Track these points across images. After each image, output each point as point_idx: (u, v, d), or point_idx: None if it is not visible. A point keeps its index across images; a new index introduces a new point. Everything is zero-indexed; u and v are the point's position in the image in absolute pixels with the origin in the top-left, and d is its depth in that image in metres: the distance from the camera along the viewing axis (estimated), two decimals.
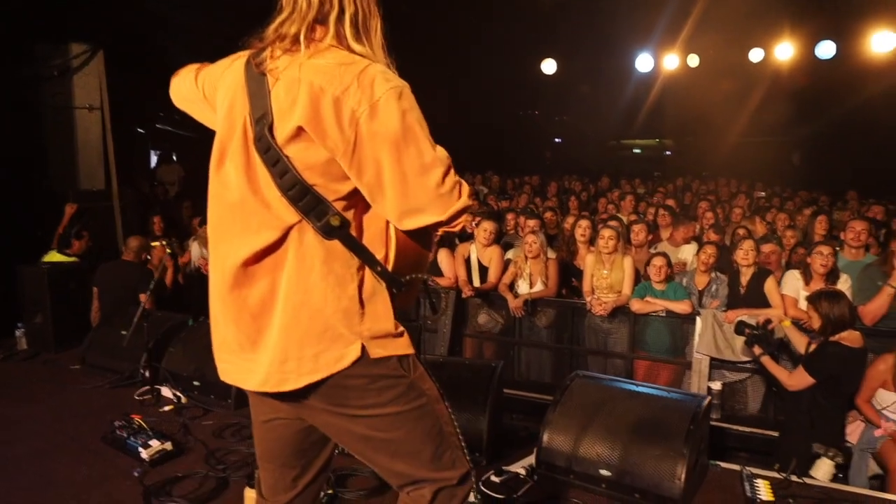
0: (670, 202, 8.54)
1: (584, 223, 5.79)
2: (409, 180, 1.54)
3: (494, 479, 3.29)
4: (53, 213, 6.17)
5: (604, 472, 3.12)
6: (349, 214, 1.62)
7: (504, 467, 3.39)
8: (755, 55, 10.10)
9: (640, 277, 5.47)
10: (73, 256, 5.89)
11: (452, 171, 1.61)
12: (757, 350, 4.21)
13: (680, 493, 2.93)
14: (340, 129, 1.51)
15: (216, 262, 1.70)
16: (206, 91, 1.82)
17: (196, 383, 4.40)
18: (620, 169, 15.97)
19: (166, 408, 4.23)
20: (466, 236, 6.19)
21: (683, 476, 2.94)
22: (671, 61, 10.48)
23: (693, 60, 10.45)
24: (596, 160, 18.36)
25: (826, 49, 9.20)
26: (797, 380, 3.94)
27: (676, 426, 3.08)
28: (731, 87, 12.39)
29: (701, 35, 9.59)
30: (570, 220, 6.63)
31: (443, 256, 5.91)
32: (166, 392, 4.43)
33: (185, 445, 3.66)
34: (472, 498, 2.93)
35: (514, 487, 3.23)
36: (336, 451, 1.94)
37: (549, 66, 11.56)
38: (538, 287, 5.49)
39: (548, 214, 7.71)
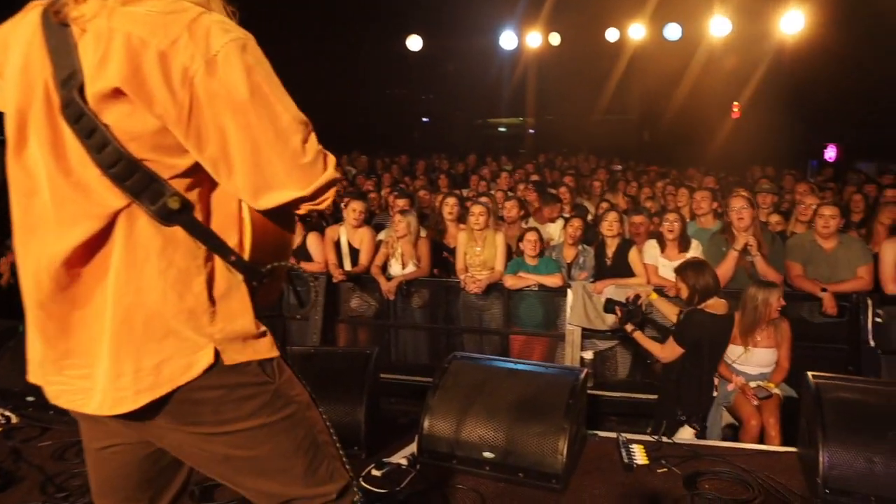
0: (535, 177, 8.73)
1: (450, 201, 5.73)
2: (262, 149, 1.30)
3: (375, 472, 3.12)
4: None
5: (487, 455, 3.06)
6: (192, 195, 1.35)
7: (385, 459, 3.23)
8: (611, 35, 10.53)
9: (511, 253, 5.49)
10: None
11: (314, 137, 1.38)
12: (629, 327, 4.29)
13: (562, 468, 2.93)
14: (170, 90, 1.24)
15: (26, 265, 1.38)
16: None
17: (30, 398, 3.82)
18: (487, 147, 16.25)
19: None
20: (336, 219, 5.93)
21: (565, 450, 2.94)
22: (534, 39, 10.69)
23: (555, 39, 10.72)
24: (463, 139, 18.58)
25: (673, 31, 9.76)
26: (669, 352, 4.08)
27: (555, 401, 3.07)
28: (589, 66, 12.93)
29: (561, 14, 9.84)
30: (439, 198, 6.54)
31: (312, 240, 5.62)
32: None
33: (15, 474, 3.16)
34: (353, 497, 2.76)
35: (397, 479, 3.08)
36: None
37: (414, 43, 11.38)
38: (410, 268, 5.36)
39: (421, 193, 7.60)
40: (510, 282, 5.14)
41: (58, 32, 1.28)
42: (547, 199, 6.62)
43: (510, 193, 7.04)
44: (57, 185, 1.31)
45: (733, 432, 4.31)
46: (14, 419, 3.76)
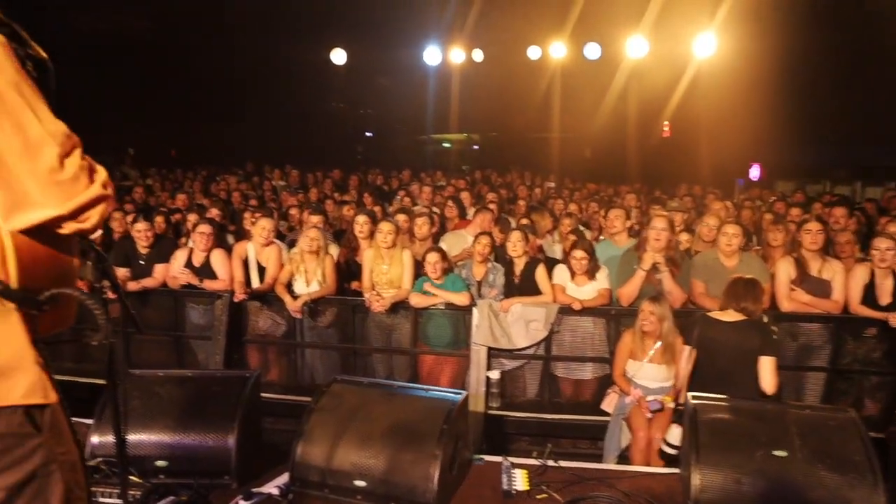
0: (465, 195, 8.70)
1: (361, 219, 5.62)
2: (10, 164, 1.20)
3: (243, 503, 2.97)
4: None
5: (359, 483, 2.94)
6: None
7: (255, 489, 3.08)
8: (533, 52, 10.67)
9: (422, 271, 5.40)
10: None
11: (78, 151, 1.28)
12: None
13: (434, 496, 2.83)
14: None
15: None
16: None
17: None
18: (432, 163, 16.24)
19: None
20: (243, 235, 5.76)
21: (437, 478, 2.84)
22: (457, 55, 10.74)
23: (478, 55, 10.79)
24: (407, 155, 18.56)
25: (592, 50, 9.94)
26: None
27: (430, 427, 2.98)
28: (524, 84, 13.09)
29: (483, 30, 9.92)
30: (350, 214, 6.45)
31: (216, 257, 5.44)
32: None
33: None
34: None
35: None
36: None
37: (338, 56, 11.30)
38: (314, 286, 5.22)
39: (346, 209, 7.47)
40: (416, 300, 5.05)
41: None
42: (478, 211, 6.58)
43: (425, 210, 6.96)
44: None
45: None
46: None
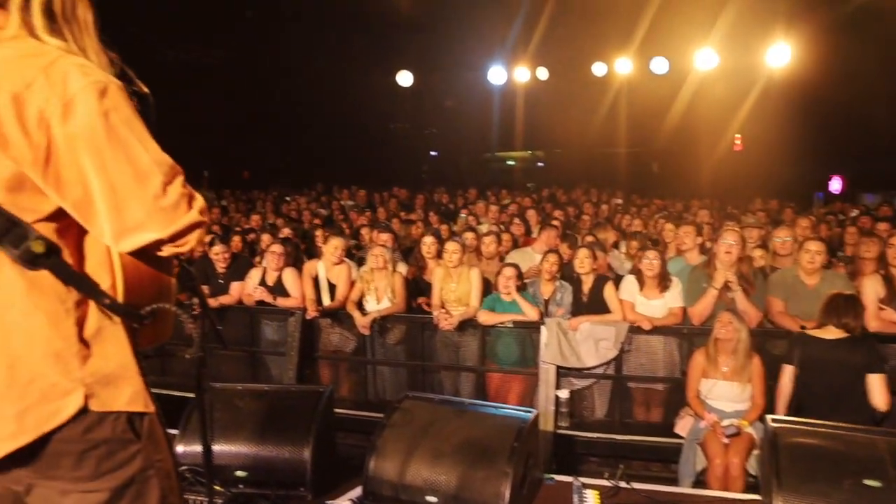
0: (530, 212, 8.70)
1: (428, 239, 5.72)
2: (120, 192, 1.29)
3: None
4: None
5: (430, 499, 2.97)
6: (60, 239, 1.34)
7: (329, 501, 3.16)
8: (598, 69, 10.61)
9: (490, 288, 5.43)
10: None
11: (180, 180, 1.38)
12: None
13: None
14: (25, 133, 1.24)
15: None
16: None
17: None
18: (495, 181, 16.33)
19: None
20: (314, 254, 5.94)
21: (508, 496, 2.84)
22: (521, 74, 10.79)
23: (542, 73, 10.81)
24: (472, 173, 18.72)
25: (659, 65, 9.80)
26: None
27: (501, 445, 2.99)
28: (589, 100, 13.02)
29: (548, 49, 9.94)
30: (416, 233, 6.55)
31: (289, 276, 5.62)
32: None
33: None
34: None
35: None
36: None
37: (404, 79, 11.55)
38: (385, 303, 5.32)
39: (413, 228, 7.60)
40: (484, 318, 5.07)
41: None
42: (543, 228, 6.59)
43: (492, 228, 7.00)
44: None
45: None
46: None
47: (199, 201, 1.41)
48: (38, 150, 1.25)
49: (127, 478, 1.40)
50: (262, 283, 5.64)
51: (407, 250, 6.79)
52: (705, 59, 9.27)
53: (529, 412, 3.26)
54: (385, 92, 12.42)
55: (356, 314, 5.31)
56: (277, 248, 5.71)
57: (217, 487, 3.00)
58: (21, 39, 1.31)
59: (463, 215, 9.35)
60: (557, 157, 19.37)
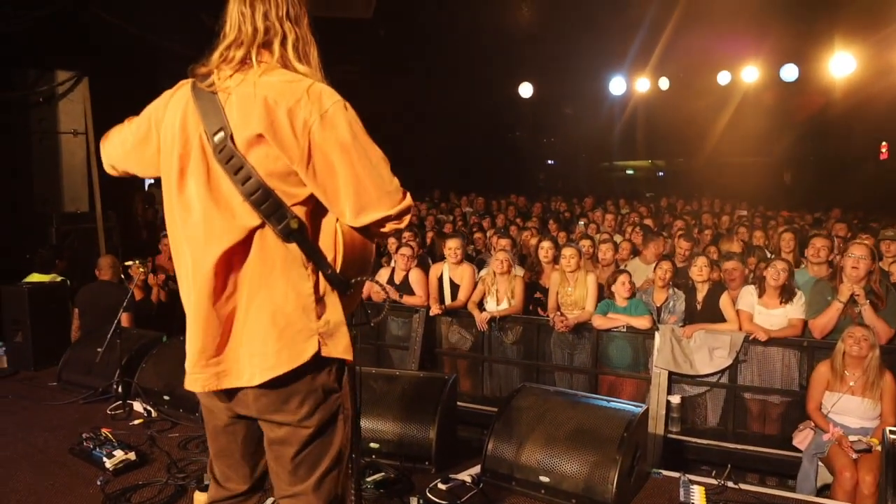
0: (648, 222, 8.72)
1: (545, 244, 5.98)
2: (362, 179, 1.71)
3: (441, 486, 3.41)
4: (38, 235, 6.35)
5: (543, 479, 3.26)
6: (305, 218, 1.76)
7: (451, 475, 3.52)
8: (723, 77, 10.38)
9: (604, 294, 5.61)
10: (55, 275, 6.05)
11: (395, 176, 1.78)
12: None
13: (612, 498, 3.06)
14: (295, 136, 1.67)
15: (185, 275, 1.81)
16: (152, 126, 1.91)
17: (166, 397, 4.54)
18: (613, 190, 16.21)
19: (136, 421, 4.37)
20: (435, 258, 6.37)
21: (615, 481, 3.07)
22: (642, 84, 10.76)
23: (664, 83, 10.72)
24: (589, 182, 18.67)
25: (789, 72, 9.44)
26: None
27: (612, 434, 3.22)
28: (713, 110, 12.68)
29: (669, 59, 9.86)
30: (534, 240, 6.81)
31: (414, 276, 6.09)
32: (138, 406, 4.56)
33: (149, 456, 3.80)
34: (412, 503, 3.08)
35: (459, 494, 3.35)
36: None
37: (526, 90, 11.86)
38: (504, 304, 5.64)
39: (525, 234, 7.89)
40: (598, 322, 5.27)
41: (208, 98, 1.76)
42: (649, 239, 6.67)
43: (608, 237, 7.14)
44: (208, 210, 1.75)
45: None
46: (154, 413, 4.47)
47: (407, 192, 1.80)
48: (303, 149, 1.69)
49: (328, 418, 1.81)
50: (391, 281, 6.15)
51: (522, 256, 7.09)
52: (842, 63, 8.80)
53: (640, 406, 3.46)
54: (507, 102, 12.81)
55: (476, 312, 5.67)
56: (406, 250, 6.20)
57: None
58: (281, 69, 1.77)
59: (581, 223, 9.50)
60: (679, 167, 18.87)
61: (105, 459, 3.60)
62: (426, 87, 12.03)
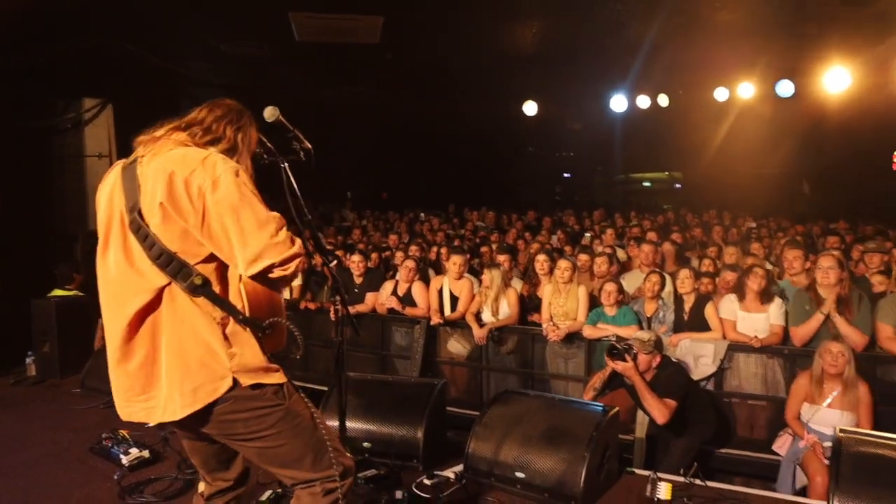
0: (651, 235, 8.90)
1: (541, 257, 6.23)
2: (248, 234, 1.98)
3: (426, 482, 3.69)
4: (65, 253, 6.77)
5: (519, 475, 3.52)
6: (210, 274, 2.04)
7: (436, 472, 3.79)
8: (720, 93, 10.59)
9: (595, 305, 5.84)
10: (73, 290, 6.44)
11: (284, 227, 2.06)
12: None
13: (580, 492, 3.31)
14: (191, 202, 1.97)
15: (108, 328, 2.11)
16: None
17: None
18: (628, 202, 16.35)
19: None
20: (441, 270, 6.65)
21: (584, 476, 3.32)
22: (643, 101, 11.01)
23: (663, 100, 10.94)
24: (605, 194, 18.85)
25: (785, 88, 9.58)
26: None
27: (581, 433, 3.47)
28: (728, 121, 12.83)
29: (669, 76, 10.08)
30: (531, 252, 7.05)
31: (416, 288, 6.38)
32: None
33: (162, 454, 4.14)
34: (398, 496, 3.37)
35: (443, 489, 3.62)
36: None
37: (529, 108, 12.17)
38: (500, 316, 5.91)
39: (534, 247, 8.14)
40: (588, 332, 5.51)
41: (129, 176, 2.08)
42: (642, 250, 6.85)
43: (605, 249, 7.35)
44: (124, 272, 2.06)
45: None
46: None
47: (297, 241, 2.08)
48: (198, 213, 1.98)
49: (275, 430, 2.11)
50: (394, 293, 6.45)
51: (527, 269, 7.32)
52: (835, 79, 8.93)
53: (608, 409, 3.70)
54: (511, 120, 13.13)
55: (474, 325, 5.94)
56: (410, 263, 6.51)
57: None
58: (189, 146, 2.10)
59: (588, 235, 9.72)
60: (696, 179, 18.94)
61: (122, 456, 3.95)
62: (433, 105, 12.44)
